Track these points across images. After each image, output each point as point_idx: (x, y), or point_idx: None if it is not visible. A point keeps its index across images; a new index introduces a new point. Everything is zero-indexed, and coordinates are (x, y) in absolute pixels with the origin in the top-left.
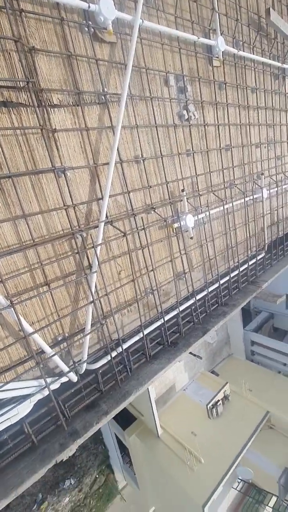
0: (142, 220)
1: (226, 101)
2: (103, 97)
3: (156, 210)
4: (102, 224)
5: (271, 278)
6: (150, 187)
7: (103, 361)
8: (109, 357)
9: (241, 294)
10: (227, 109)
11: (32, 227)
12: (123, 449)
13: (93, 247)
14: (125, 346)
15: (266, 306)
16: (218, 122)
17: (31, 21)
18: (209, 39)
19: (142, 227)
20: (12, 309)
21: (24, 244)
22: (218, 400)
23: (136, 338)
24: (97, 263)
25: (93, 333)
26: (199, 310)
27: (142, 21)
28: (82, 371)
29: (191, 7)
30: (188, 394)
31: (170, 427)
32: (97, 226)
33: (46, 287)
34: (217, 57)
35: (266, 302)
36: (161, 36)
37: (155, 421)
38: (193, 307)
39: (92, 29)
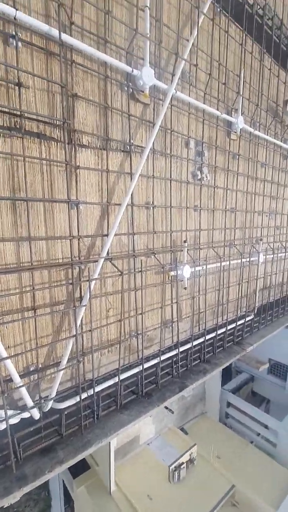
0: (141, 262)
1: (237, 170)
2: (128, 146)
3: (156, 256)
4: (102, 260)
5: (257, 342)
6: (155, 232)
7: (71, 401)
8: (78, 398)
9: (225, 353)
10: (237, 177)
11: (33, 250)
12: (68, 501)
13: (88, 280)
14: (97, 388)
15: (248, 367)
16: (227, 187)
17: (79, 72)
18: (231, 116)
19: (140, 270)
20: None
21: (22, 265)
22: (183, 463)
23: (111, 382)
24: (88, 297)
25: (67, 369)
26: (180, 363)
27: (176, 91)
28: (47, 409)
29: (220, 87)
30: (151, 449)
31: (125, 484)
32: (96, 261)
33: (32, 312)
34: (235, 132)
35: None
36: (189, 106)
37: (110, 475)
38: (175, 359)
39: (131, 89)
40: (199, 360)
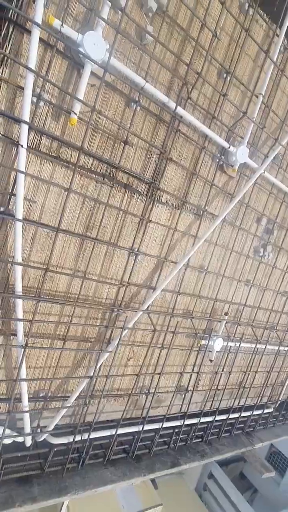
0: (177, 323)
1: None
2: (201, 211)
3: (193, 320)
4: (141, 312)
5: (268, 441)
6: (200, 297)
7: (64, 439)
8: (71, 438)
9: (230, 441)
10: None
11: (84, 285)
12: None
13: (121, 328)
14: (92, 435)
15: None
16: (286, 269)
17: (180, 139)
18: None
19: (173, 331)
20: (22, 350)
21: (69, 294)
22: None
23: (107, 433)
24: (116, 343)
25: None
26: (180, 436)
27: (264, 171)
28: (40, 440)
29: None
30: (116, 492)
31: None
32: (136, 311)
33: (62, 342)
34: None
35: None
36: (272, 186)
37: (62, 504)
38: (177, 430)
39: (222, 162)
40: (201, 439)
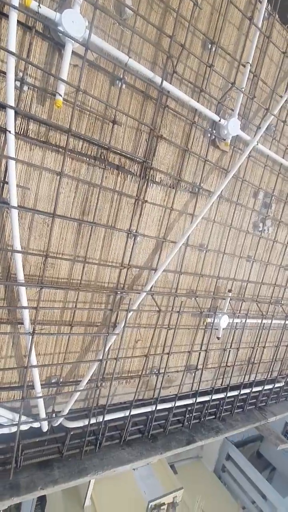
0: (181, 303)
1: None
2: (196, 189)
3: (197, 299)
4: (145, 293)
5: (282, 414)
6: (202, 276)
7: (79, 423)
8: (86, 422)
9: (244, 416)
10: None
11: (85, 270)
12: (42, 498)
13: (126, 310)
14: (107, 417)
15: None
16: (287, 243)
17: (169, 115)
18: None
19: (178, 311)
20: (31, 337)
21: (72, 281)
22: (164, 504)
23: (121, 414)
24: (122, 326)
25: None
26: (193, 414)
27: (257, 143)
28: (56, 424)
29: None
30: (135, 476)
31: (100, 504)
32: (139, 292)
33: (69, 328)
34: None
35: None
36: (267, 158)
37: (87, 489)
38: (190, 408)
39: (213, 137)
40: (214, 416)
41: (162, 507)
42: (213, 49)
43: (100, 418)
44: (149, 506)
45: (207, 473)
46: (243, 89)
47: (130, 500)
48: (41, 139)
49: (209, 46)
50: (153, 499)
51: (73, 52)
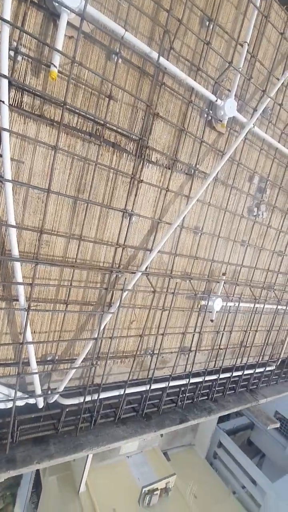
0: (176, 284)
1: None
2: (192, 170)
3: (191, 281)
4: (139, 274)
5: (272, 396)
6: (196, 258)
7: (75, 400)
8: (81, 399)
9: (235, 398)
10: None
11: (80, 249)
12: (37, 485)
13: (121, 290)
14: (102, 395)
15: (255, 419)
16: (281, 229)
17: (166, 93)
18: None
19: (173, 292)
20: (26, 313)
21: (67, 260)
22: (157, 489)
23: (116, 393)
24: (118, 305)
25: (79, 368)
26: (186, 394)
27: (254, 126)
28: (52, 401)
29: None
30: (129, 463)
31: (94, 490)
32: (134, 273)
33: (64, 306)
34: None
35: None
36: (263, 142)
37: (82, 475)
38: (183, 389)
39: (210, 117)
40: (206, 397)
41: (155, 492)
42: (211, 26)
43: (95, 396)
44: (143, 491)
45: (199, 460)
46: (241, 69)
47: (124, 486)
48: (36, 113)
49: (207, 23)
50: (146, 485)
51: (68, 23)
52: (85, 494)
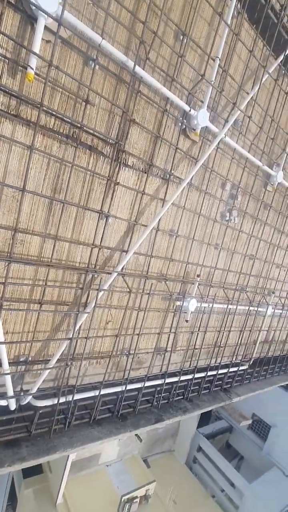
0: (151, 285)
1: (266, 220)
2: (167, 175)
3: (167, 282)
4: (115, 274)
5: (245, 395)
6: (172, 260)
7: (48, 402)
8: (55, 400)
9: (210, 397)
10: (264, 226)
11: (56, 249)
12: (12, 499)
13: (97, 290)
14: (76, 397)
15: (230, 418)
16: (251, 233)
17: (142, 101)
18: (271, 169)
19: (148, 292)
20: None
21: (42, 259)
22: (137, 497)
23: (91, 394)
24: (93, 305)
25: (53, 369)
26: (162, 394)
27: (225, 136)
28: (24, 403)
29: (267, 142)
30: (109, 472)
31: (72, 501)
32: (110, 273)
33: (38, 306)
34: (272, 184)
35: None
36: (234, 152)
37: (60, 486)
38: (159, 389)
39: (184, 126)
40: (182, 397)
41: (135, 500)
42: (185, 40)
43: (70, 398)
44: (122, 500)
45: (179, 465)
46: (213, 82)
47: (103, 496)
48: (12, 113)
49: (181, 37)
50: (125, 494)
51: (46, 28)
52: (62, 505)
